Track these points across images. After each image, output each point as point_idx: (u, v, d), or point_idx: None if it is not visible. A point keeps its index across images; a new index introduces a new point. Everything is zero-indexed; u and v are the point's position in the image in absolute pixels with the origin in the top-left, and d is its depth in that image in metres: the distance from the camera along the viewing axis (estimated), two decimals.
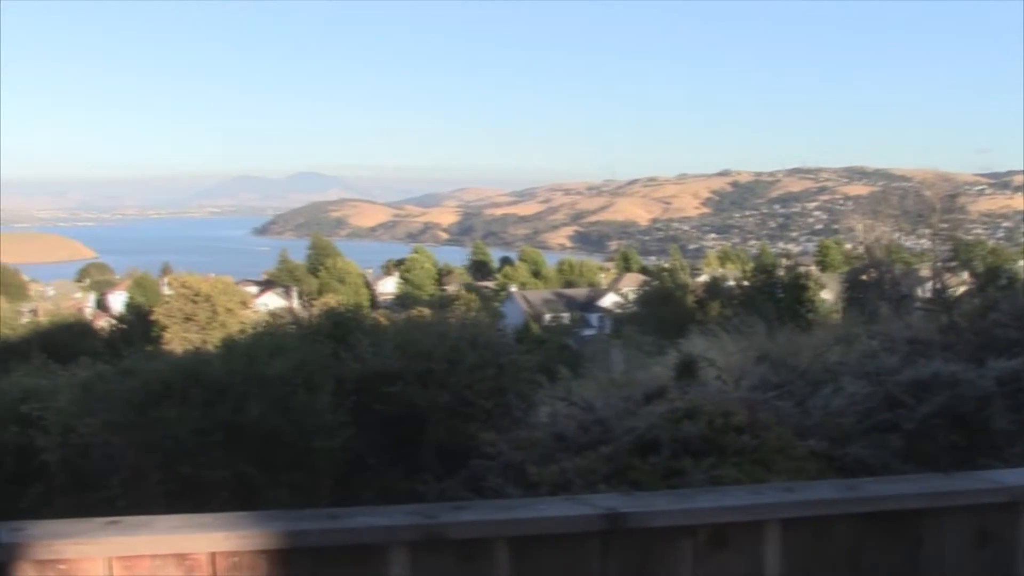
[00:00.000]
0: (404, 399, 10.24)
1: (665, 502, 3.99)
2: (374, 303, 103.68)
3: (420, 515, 3.63)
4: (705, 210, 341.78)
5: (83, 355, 20.19)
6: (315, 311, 29.97)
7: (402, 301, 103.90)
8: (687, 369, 10.81)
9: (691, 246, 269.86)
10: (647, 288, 76.97)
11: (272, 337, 12.19)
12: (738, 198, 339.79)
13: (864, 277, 39.96)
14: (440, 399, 10.25)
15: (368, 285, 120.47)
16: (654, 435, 7.82)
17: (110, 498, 9.61)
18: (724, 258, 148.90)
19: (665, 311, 62.26)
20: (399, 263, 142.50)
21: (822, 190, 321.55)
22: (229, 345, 11.90)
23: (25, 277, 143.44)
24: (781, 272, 64.52)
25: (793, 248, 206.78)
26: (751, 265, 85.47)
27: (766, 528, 3.81)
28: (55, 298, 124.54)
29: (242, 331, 16.07)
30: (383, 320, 21.65)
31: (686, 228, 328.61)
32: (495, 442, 8.91)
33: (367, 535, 3.53)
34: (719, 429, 7.77)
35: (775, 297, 57.27)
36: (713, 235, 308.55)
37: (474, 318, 14.49)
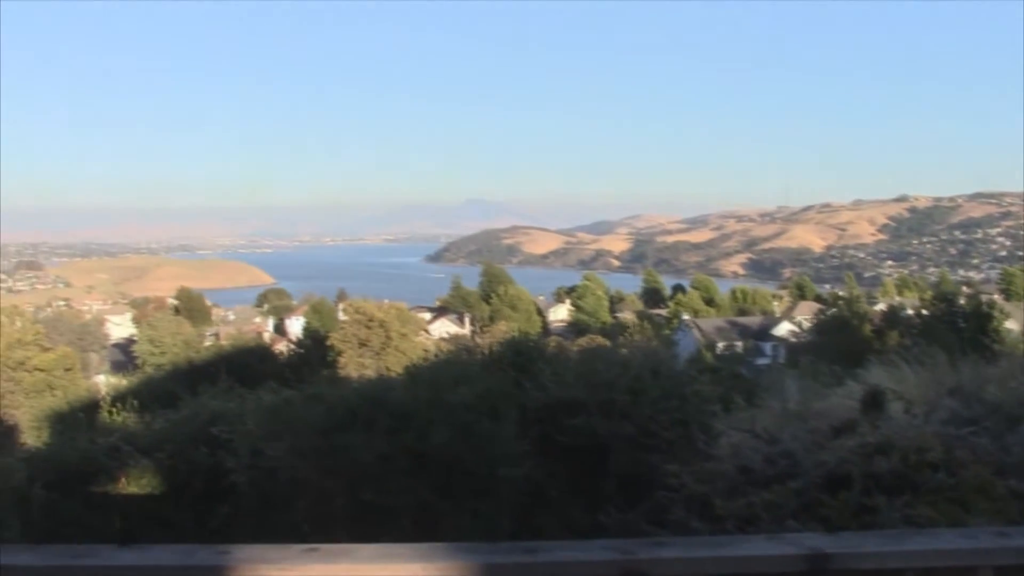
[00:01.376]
0: (586, 429, 10.17)
1: (872, 543, 3.85)
2: (546, 330, 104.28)
3: (618, 551, 3.58)
4: (881, 236, 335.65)
5: (263, 378, 20.70)
6: (491, 338, 30.18)
7: (574, 328, 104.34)
8: (874, 402, 10.50)
9: (867, 274, 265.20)
10: (822, 317, 75.76)
11: (455, 364, 12.26)
12: (916, 224, 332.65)
13: None
14: (623, 430, 10.15)
15: (540, 312, 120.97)
16: (845, 470, 7.61)
17: (295, 521, 9.76)
18: (902, 286, 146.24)
19: (841, 340, 61.18)
20: (570, 290, 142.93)
21: (1006, 215, 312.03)
22: (413, 372, 12.00)
23: (208, 302, 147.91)
24: (963, 301, 62.80)
25: (975, 276, 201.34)
26: (930, 293, 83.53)
27: (978, 575, 3.65)
28: (236, 322, 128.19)
29: (425, 358, 16.25)
30: (557, 347, 21.67)
31: (862, 255, 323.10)
32: (679, 474, 8.80)
33: (565, 570, 3.50)
34: (913, 466, 7.52)
35: (957, 327, 55.73)
36: (890, 262, 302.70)
37: (654, 347, 14.38)
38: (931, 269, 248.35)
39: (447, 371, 11.04)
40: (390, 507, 9.29)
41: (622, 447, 10.17)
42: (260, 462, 10.31)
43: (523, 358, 12.92)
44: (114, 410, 15.63)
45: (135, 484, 11.85)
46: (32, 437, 39.86)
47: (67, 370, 53.36)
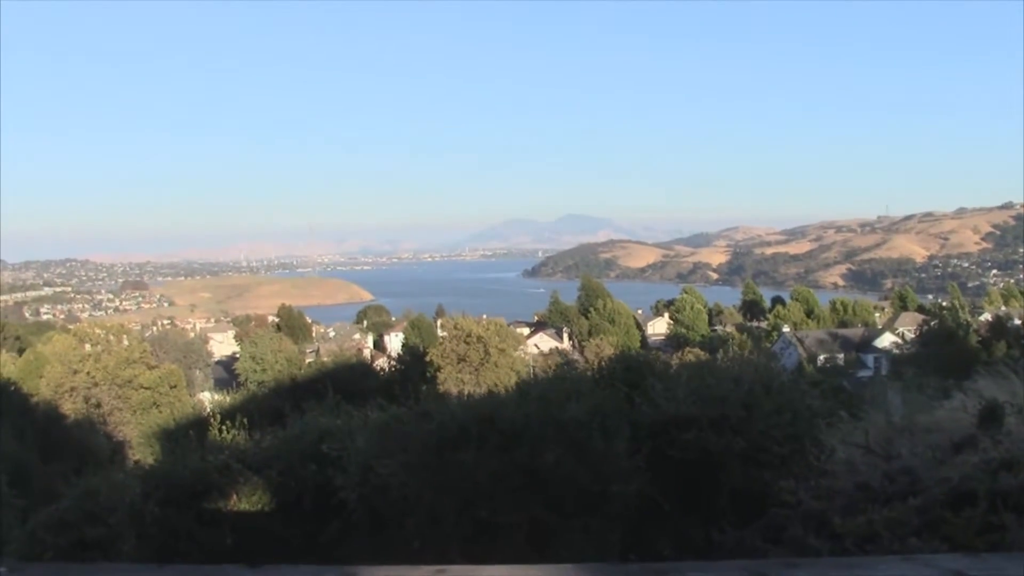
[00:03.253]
0: (698, 445, 10.05)
1: (1015, 566, 3.72)
2: (644, 343, 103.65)
3: (749, 572, 3.49)
4: (986, 245, 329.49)
5: (364, 394, 20.79)
6: (597, 353, 30.08)
7: (673, 342, 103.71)
8: (992, 415, 10.21)
9: (971, 283, 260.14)
10: (926, 328, 74.35)
11: (566, 380, 12.20)
12: (1023, 232, 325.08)
13: None
14: (735, 445, 10.01)
15: (638, 325, 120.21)
16: (969, 487, 7.39)
17: (406, 538, 9.76)
18: (1008, 296, 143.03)
19: (946, 351, 60.12)
20: (669, 304, 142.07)
21: None
22: (523, 388, 11.94)
23: (308, 319, 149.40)
24: None
25: None
26: None
27: None
28: (336, 339, 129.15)
29: (531, 373, 16.24)
30: (662, 362, 21.54)
31: (966, 264, 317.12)
32: (794, 490, 8.63)
33: None
34: None
35: None
36: (995, 271, 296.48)
37: (765, 362, 14.14)
38: None
39: (558, 387, 10.98)
40: (502, 524, 9.25)
41: (734, 462, 10.04)
42: (371, 479, 10.33)
43: (633, 373, 12.84)
44: (223, 428, 15.80)
45: (246, 501, 11.97)
46: (141, 453, 40.63)
47: (172, 387, 54.35)
